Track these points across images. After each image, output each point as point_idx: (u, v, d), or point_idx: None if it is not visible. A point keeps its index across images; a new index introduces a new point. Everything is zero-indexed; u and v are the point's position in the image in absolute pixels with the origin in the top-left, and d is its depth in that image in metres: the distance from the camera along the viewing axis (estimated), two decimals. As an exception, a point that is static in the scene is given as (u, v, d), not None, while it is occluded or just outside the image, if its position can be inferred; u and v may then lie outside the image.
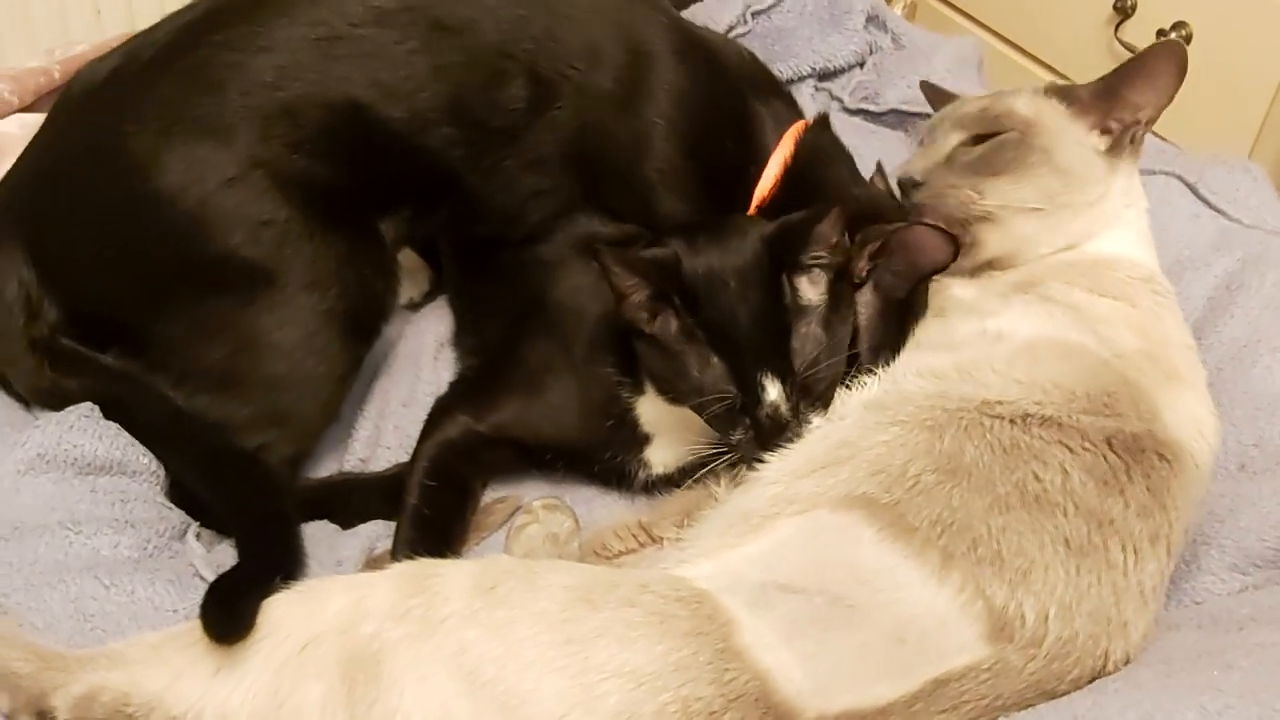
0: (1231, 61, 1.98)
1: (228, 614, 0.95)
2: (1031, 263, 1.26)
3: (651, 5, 1.40)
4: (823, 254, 1.17)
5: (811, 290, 1.17)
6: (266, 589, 0.98)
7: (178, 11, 1.34)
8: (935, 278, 1.26)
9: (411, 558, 1.09)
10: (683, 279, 1.16)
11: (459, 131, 1.30)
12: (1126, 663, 0.99)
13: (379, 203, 1.33)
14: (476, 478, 1.35)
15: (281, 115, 1.24)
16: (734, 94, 1.37)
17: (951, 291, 1.26)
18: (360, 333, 1.33)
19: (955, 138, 1.33)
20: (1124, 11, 2.10)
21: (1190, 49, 2.00)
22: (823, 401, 1.17)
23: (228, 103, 1.24)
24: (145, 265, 1.26)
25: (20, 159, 1.34)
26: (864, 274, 1.23)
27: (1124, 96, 1.28)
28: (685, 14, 1.86)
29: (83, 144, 1.28)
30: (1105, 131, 1.29)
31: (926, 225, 1.20)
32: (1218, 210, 1.48)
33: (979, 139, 1.30)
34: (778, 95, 1.43)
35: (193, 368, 1.25)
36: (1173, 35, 2.03)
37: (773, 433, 1.14)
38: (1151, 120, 1.30)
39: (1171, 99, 1.28)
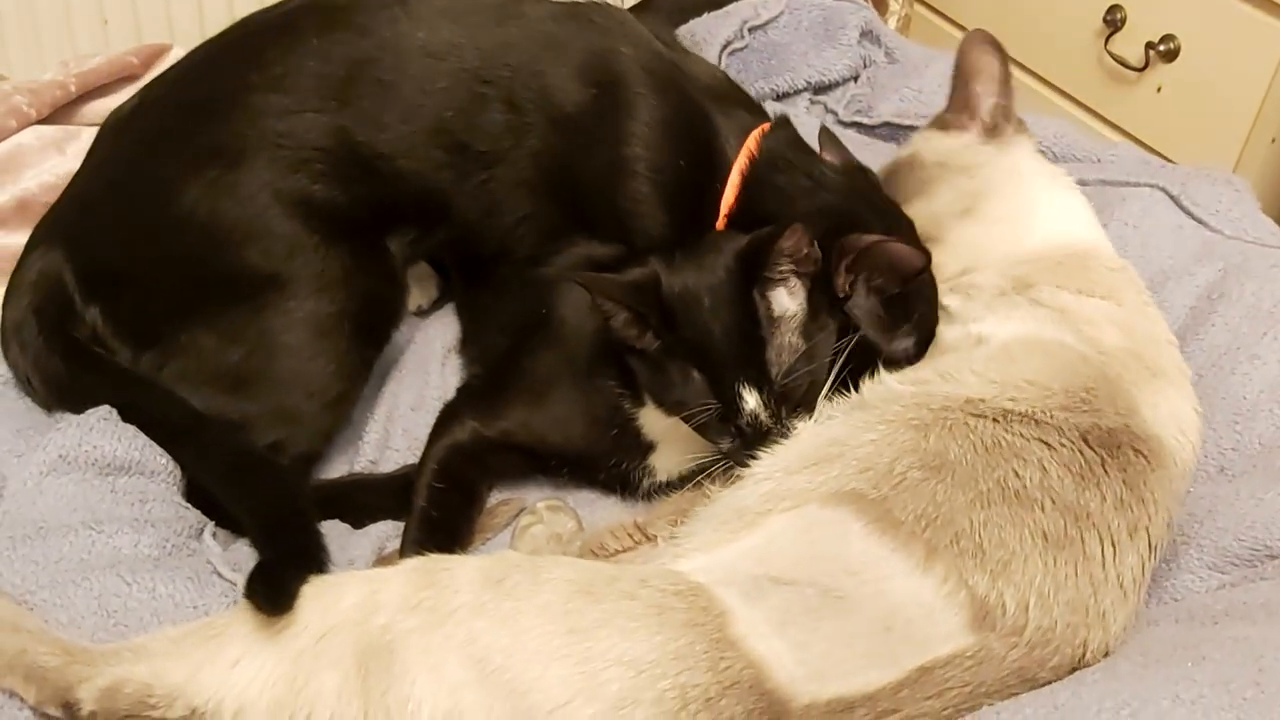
0: (1218, 75, 2.02)
1: (274, 589, 1.00)
2: (1008, 265, 1.30)
3: (624, 33, 1.43)
4: (787, 268, 1.20)
5: (790, 300, 1.21)
6: (307, 569, 1.03)
7: (191, 51, 1.44)
8: None
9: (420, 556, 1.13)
10: (660, 299, 1.20)
11: (444, 155, 1.36)
12: (1105, 653, 1.03)
13: (381, 221, 1.38)
14: (483, 481, 1.38)
15: (280, 141, 1.31)
16: (699, 114, 1.40)
17: (941, 302, 1.30)
18: (368, 336, 1.38)
19: None
20: (1114, 25, 2.15)
21: (1177, 62, 2.07)
22: (805, 406, 1.20)
23: (232, 130, 1.31)
24: (170, 279, 1.33)
25: (69, 184, 1.43)
26: (848, 289, 1.25)
27: (970, 99, 1.39)
28: (685, 28, 1.91)
29: (113, 172, 1.38)
30: (980, 129, 1.39)
31: (893, 241, 1.23)
32: (1200, 222, 1.50)
33: None
34: (741, 104, 1.46)
35: (211, 371, 1.30)
36: (1161, 48, 2.07)
37: (755, 439, 1.18)
38: (1008, 95, 1.39)
39: (1008, 72, 1.39)
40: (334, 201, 1.33)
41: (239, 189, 1.30)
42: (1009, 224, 1.34)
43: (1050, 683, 0.99)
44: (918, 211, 1.36)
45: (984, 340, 1.22)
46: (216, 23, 2.55)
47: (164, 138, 1.35)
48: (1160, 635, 1.05)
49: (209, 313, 1.31)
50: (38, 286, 1.33)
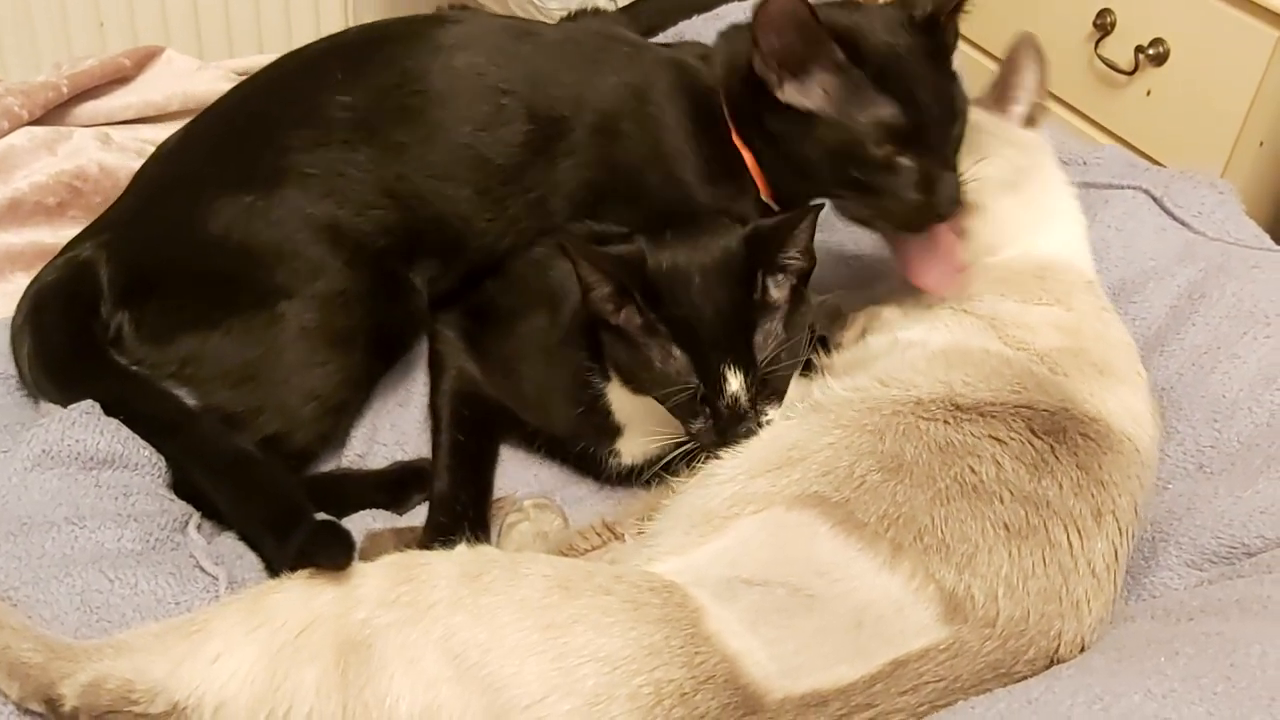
0: (1207, 79, 2.02)
1: (334, 544, 1.04)
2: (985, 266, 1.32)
3: (631, 41, 1.47)
4: (796, 255, 1.22)
5: (777, 291, 1.22)
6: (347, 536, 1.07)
7: (237, 85, 1.54)
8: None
9: (448, 491, 1.32)
10: (645, 275, 1.21)
11: (465, 171, 1.39)
12: (1081, 646, 1.04)
13: (404, 251, 1.42)
14: (493, 419, 1.44)
15: (309, 171, 1.37)
16: (711, 102, 1.40)
17: (881, 313, 1.33)
18: (379, 354, 1.43)
19: None
20: (1104, 29, 2.15)
21: (1167, 66, 2.07)
22: (778, 396, 1.22)
23: (266, 161, 1.37)
24: (199, 291, 1.37)
25: (113, 204, 1.50)
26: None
27: (1010, 91, 1.44)
28: (674, 30, 1.92)
29: (157, 193, 1.45)
30: (1017, 120, 1.42)
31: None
32: (1183, 223, 1.51)
33: None
34: None
35: (222, 369, 1.33)
36: (1150, 52, 2.08)
37: (731, 422, 1.19)
38: (1042, 96, 1.45)
39: (1043, 75, 1.45)
40: (359, 229, 1.38)
41: (271, 214, 1.36)
42: (1035, 211, 1.36)
43: (1026, 678, 1.00)
44: (969, 171, 1.34)
45: (914, 344, 1.24)
46: (211, 26, 2.59)
47: (205, 165, 1.42)
48: (1136, 631, 1.06)
49: (230, 321, 1.34)
50: (69, 276, 1.38)
